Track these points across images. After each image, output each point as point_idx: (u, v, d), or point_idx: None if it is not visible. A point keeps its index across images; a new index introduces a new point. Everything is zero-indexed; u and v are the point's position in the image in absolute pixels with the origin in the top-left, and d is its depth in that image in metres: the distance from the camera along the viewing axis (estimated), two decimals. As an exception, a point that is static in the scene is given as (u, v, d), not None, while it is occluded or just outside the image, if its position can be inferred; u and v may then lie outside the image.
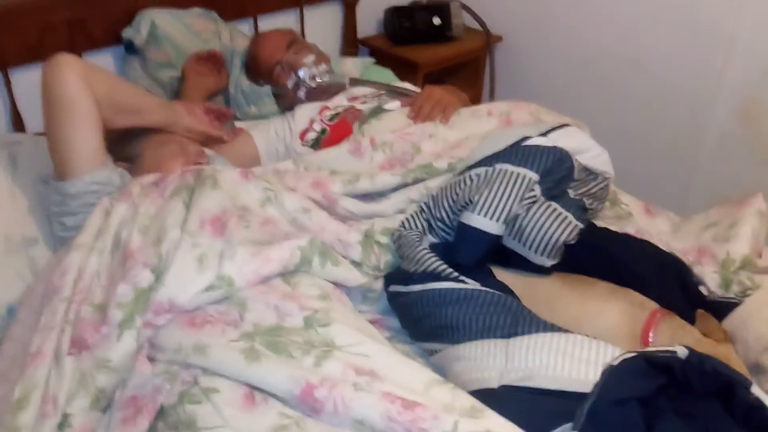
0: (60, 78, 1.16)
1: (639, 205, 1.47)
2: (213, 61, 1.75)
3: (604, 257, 1.19)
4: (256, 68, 1.76)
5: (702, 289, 1.20)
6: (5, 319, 1.18)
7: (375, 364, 0.94)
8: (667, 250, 1.27)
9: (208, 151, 1.45)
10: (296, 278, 1.09)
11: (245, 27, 1.99)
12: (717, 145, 2.07)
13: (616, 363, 0.92)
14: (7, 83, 1.59)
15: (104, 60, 1.75)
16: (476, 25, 2.42)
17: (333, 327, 0.98)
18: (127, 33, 1.70)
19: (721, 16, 1.92)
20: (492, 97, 2.48)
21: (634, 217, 1.43)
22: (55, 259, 1.18)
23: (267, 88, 1.73)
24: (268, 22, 2.02)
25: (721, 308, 1.13)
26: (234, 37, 1.84)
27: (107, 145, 1.26)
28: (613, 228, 1.33)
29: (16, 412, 0.93)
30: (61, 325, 1.01)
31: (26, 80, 1.60)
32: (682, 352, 0.92)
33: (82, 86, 1.17)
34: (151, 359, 1.00)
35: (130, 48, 1.72)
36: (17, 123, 1.64)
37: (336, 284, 1.15)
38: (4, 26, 1.53)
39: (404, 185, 1.32)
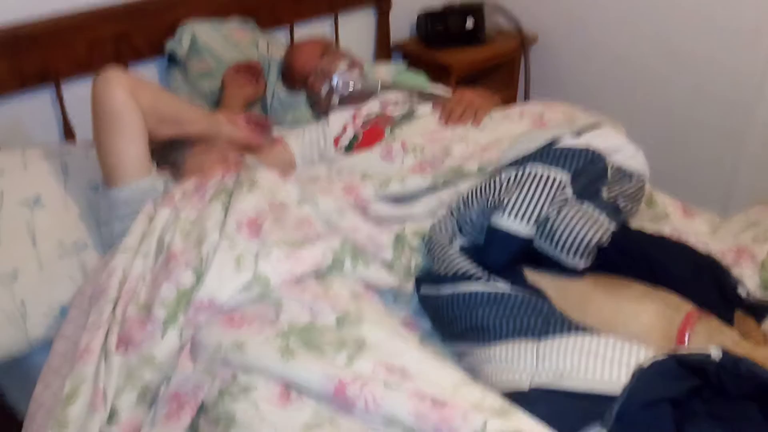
0: (107, 92, 1.22)
1: (676, 206, 1.44)
2: (251, 70, 1.79)
3: (638, 258, 1.17)
4: (291, 76, 1.79)
5: (740, 290, 1.16)
6: (59, 319, 1.25)
7: (405, 363, 0.96)
8: (705, 251, 1.24)
9: (247, 158, 1.49)
10: (329, 279, 1.12)
11: (281, 35, 2.03)
12: (760, 146, 2.02)
13: (646, 364, 0.91)
14: (59, 96, 1.66)
15: (148, 71, 1.82)
16: (511, 27, 2.40)
17: (364, 326, 1.01)
18: (169, 45, 1.76)
19: (763, 14, 1.87)
20: (527, 99, 2.45)
21: (671, 218, 1.40)
22: (102, 262, 1.24)
23: (302, 96, 1.77)
24: (304, 30, 2.05)
25: (760, 310, 1.10)
26: (271, 46, 1.88)
27: (152, 153, 1.31)
28: (649, 228, 1.31)
29: (65, 405, 0.99)
30: (108, 324, 1.06)
31: (76, 92, 1.67)
32: (715, 353, 0.91)
33: (128, 99, 1.23)
34: (193, 357, 1.03)
35: (173, 59, 1.78)
36: (68, 133, 1.71)
37: (368, 285, 1.17)
38: (55, 42, 1.60)
39: (435, 188, 1.33)
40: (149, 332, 1.03)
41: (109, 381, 1.00)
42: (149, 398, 1.01)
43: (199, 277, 1.06)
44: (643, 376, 0.90)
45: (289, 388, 0.95)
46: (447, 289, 1.14)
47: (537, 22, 2.39)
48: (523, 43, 2.37)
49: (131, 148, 1.25)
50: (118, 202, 1.26)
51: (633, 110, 2.24)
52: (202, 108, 1.69)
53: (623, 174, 1.31)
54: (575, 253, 1.14)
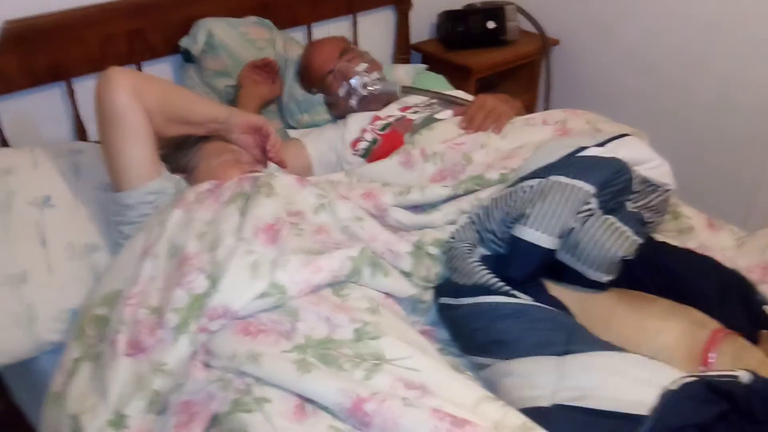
0: (109, 93, 1.17)
1: (701, 219, 1.42)
2: (267, 69, 1.77)
3: (663, 273, 1.16)
4: (308, 76, 1.77)
5: (767, 308, 1.15)
6: (68, 323, 1.22)
7: (425, 379, 0.93)
8: (731, 267, 1.21)
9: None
10: (346, 290, 1.09)
11: (299, 35, 2.00)
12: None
13: (675, 387, 0.90)
14: (71, 93, 1.64)
15: (162, 69, 1.79)
16: (532, 29, 2.38)
17: (383, 340, 0.98)
18: (184, 42, 1.73)
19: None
20: (547, 102, 2.43)
21: (697, 231, 1.38)
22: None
23: (319, 97, 1.74)
24: (322, 30, 2.03)
25: (787, 330, 1.08)
26: (288, 45, 1.85)
27: (163, 156, 1.28)
28: (674, 242, 1.30)
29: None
30: (116, 327, 1.04)
31: (89, 90, 1.61)
32: (744, 376, 0.89)
33: (131, 100, 1.18)
34: (206, 365, 1.01)
35: (188, 57, 1.75)
36: (80, 131, 1.69)
37: (387, 294, 1.15)
38: (67, 38, 1.58)
39: (455, 196, 1.30)
40: (160, 338, 1.00)
41: (113, 381, 0.98)
42: (159, 406, 0.99)
43: (213, 282, 1.03)
44: (672, 400, 0.89)
45: (305, 403, 0.92)
46: (467, 300, 1.12)
47: (559, 24, 2.36)
48: (544, 45, 2.34)
49: (136, 151, 1.20)
50: (128, 206, 1.22)
51: (654, 117, 2.20)
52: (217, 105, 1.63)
53: (648, 185, 1.29)
54: (600, 266, 1.12)
